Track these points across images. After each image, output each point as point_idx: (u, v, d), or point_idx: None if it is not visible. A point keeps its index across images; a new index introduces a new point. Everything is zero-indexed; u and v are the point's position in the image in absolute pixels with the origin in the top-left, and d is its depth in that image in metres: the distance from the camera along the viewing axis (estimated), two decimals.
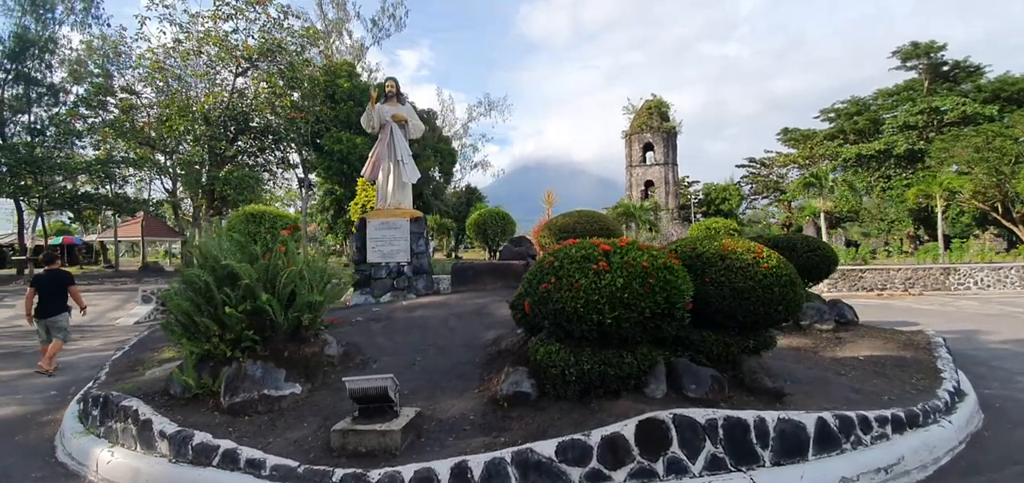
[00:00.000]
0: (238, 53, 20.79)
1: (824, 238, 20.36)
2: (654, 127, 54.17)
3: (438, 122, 56.54)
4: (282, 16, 21.52)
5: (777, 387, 4.33)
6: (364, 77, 51.07)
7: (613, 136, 59.19)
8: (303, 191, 39.04)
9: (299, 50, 21.83)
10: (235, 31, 21.00)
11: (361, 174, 10.27)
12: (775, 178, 56.84)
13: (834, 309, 7.33)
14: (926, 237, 34.71)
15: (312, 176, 39.48)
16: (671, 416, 3.74)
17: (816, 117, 52.44)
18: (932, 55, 44.50)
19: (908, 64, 45.80)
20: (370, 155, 10.00)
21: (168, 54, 22.65)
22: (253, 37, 21.20)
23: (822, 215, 21.20)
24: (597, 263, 4.00)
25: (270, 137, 23.37)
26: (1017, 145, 31.16)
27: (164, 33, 22.33)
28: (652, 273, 3.91)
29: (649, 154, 54.76)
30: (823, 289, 18.12)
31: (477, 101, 61.29)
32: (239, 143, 22.61)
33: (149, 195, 39.42)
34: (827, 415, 4.05)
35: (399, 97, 10.36)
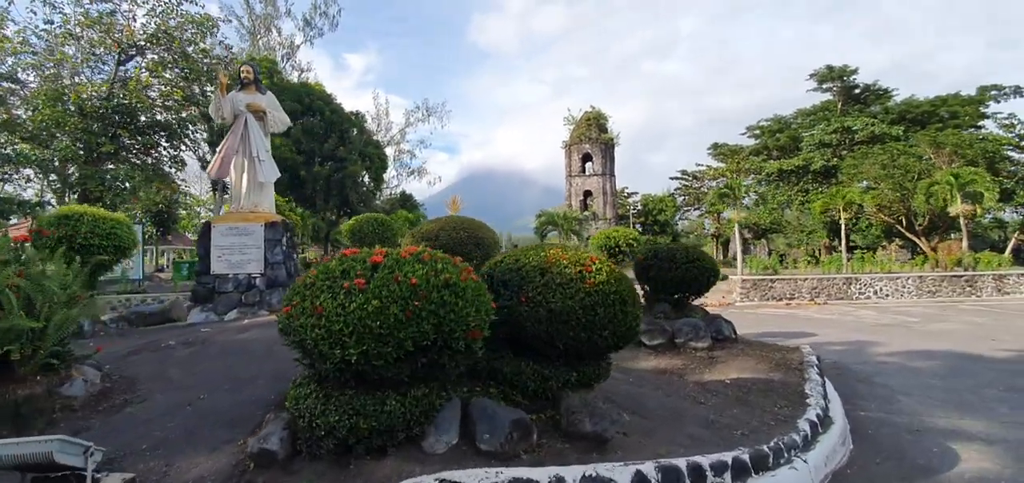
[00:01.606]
0: (118, 36, 18.49)
1: (738, 248, 20.71)
2: (592, 138, 54.78)
3: (371, 126, 54.65)
4: (176, 1, 19.43)
5: (598, 431, 3.51)
6: (294, 76, 48.57)
7: (559, 147, 60.03)
8: (216, 195, 36.21)
9: (192, 39, 19.75)
10: (113, 12, 18.69)
11: (207, 171, 8.89)
12: (706, 190, 58.94)
13: (711, 325, 6.77)
14: (840, 248, 36.60)
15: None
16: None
17: (743, 134, 54.86)
18: (845, 78, 47.55)
19: (824, 86, 48.70)
20: (218, 149, 8.66)
21: (55, 39, 20.01)
22: (136, 20, 19.00)
23: (737, 226, 21.56)
24: (354, 279, 3.03)
25: (160, 133, 21.02)
26: (920, 163, 33.48)
27: (34, 14, 19.63)
28: (422, 293, 2.98)
29: (588, 165, 55.33)
30: (735, 300, 18.20)
31: (414, 106, 59.81)
32: (123, 139, 20.14)
33: (42, 196, 35.41)
34: (648, 467, 3.26)
35: (257, 85, 9.09)
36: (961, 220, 22.62)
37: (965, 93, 44.00)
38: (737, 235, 21.60)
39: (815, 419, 4.66)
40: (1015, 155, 39.98)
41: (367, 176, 41.55)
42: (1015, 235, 31.97)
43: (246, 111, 8.65)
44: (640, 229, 62.86)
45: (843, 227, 22.11)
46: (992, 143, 38.09)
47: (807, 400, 4.92)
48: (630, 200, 65.46)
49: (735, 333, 6.90)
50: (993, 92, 42.87)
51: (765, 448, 3.90)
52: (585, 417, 3.57)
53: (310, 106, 37.00)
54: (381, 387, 3.13)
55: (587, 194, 54.72)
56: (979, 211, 23.80)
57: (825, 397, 5.20)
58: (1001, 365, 8.15)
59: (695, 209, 61.42)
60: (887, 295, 17.60)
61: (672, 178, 63.24)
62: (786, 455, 4.05)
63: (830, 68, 47.63)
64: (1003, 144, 39.40)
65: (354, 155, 38.34)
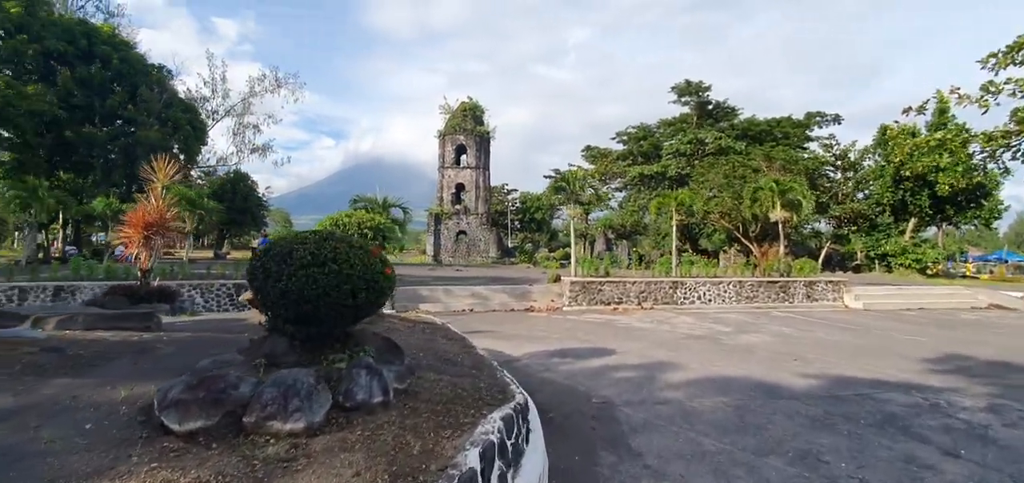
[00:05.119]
0: None
1: (573, 247, 18.90)
2: (467, 129, 52.07)
3: (205, 91, 46.86)
4: None
5: None
6: (98, 18, 39.35)
7: (433, 135, 56.27)
8: None
9: None
10: None
11: None
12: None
13: (346, 382, 3.67)
14: (687, 250, 37.78)
15: None
16: None
17: (612, 139, 56.08)
18: (700, 94, 50.09)
19: (682, 99, 50.98)
20: None
21: None
22: None
23: (572, 223, 19.86)
24: None
25: None
26: (755, 175, 35.45)
27: None
28: None
29: (463, 157, 52.72)
30: (564, 305, 16.12)
31: (261, 74, 52.38)
32: None
33: None
34: None
35: None
36: (779, 226, 23.28)
37: (796, 117, 48.60)
38: (573, 232, 19.82)
39: None
40: (832, 173, 44.82)
41: (175, 146, 34.33)
42: (828, 244, 35.04)
43: None
44: (519, 226, 61.54)
45: (674, 230, 21.50)
46: (813, 161, 42.14)
47: None
48: (509, 197, 64.05)
49: (388, 392, 3.78)
50: (817, 118, 47.76)
51: None
52: None
53: (89, 51, 29.11)
54: None
55: (460, 187, 51.94)
56: (796, 219, 24.87)
57: None
58: (798, 403, 6.34)
59: (566, 208, 61.61)
60: (710, 300, 16.74)
61: (545, 176, 62.89)
62: None
63: (688, 82, 49.96)
64: (823, 163, 43.93)
65: (150, 117, 31.14)
